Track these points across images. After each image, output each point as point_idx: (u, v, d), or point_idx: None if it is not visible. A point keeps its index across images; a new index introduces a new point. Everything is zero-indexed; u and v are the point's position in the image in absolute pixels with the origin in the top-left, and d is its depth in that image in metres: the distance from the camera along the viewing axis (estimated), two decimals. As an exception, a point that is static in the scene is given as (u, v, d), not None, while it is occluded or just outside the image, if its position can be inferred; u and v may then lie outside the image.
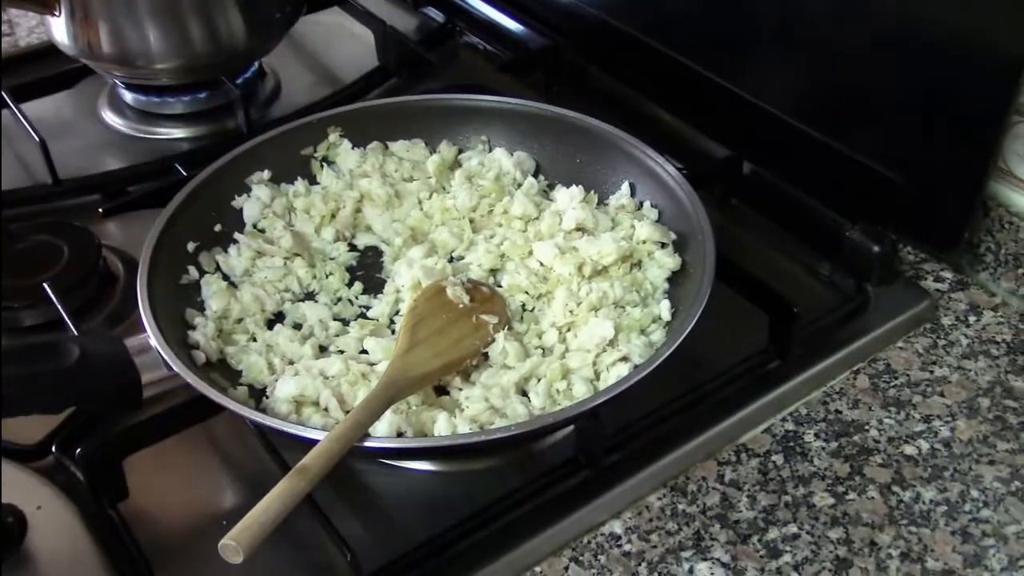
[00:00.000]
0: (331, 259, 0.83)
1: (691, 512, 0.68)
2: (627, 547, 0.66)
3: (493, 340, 0.72)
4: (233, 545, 0.54)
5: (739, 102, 0.94)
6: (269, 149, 0.87)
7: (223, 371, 0.72)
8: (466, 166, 0.89)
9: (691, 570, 0.64)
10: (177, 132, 1.05)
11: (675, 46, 1.00)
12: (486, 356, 0.72)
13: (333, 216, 0.85)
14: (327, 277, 0.81)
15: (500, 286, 0.79)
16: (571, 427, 0.67)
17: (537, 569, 0.65)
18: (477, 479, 0.70)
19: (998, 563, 0.65)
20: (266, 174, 0.86)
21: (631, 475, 0.69)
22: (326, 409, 0.68)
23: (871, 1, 0.83)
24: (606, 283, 0.75)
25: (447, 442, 0.65)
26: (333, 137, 0.89)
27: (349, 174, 0.88)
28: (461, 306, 0.74)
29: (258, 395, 0.71)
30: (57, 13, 0.99)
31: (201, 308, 0.76)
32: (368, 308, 0.79)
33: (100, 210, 0.89)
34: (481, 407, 0.67)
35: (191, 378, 0.65)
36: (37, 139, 0.95)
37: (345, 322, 0.77)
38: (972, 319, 0.82)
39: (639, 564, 0.65)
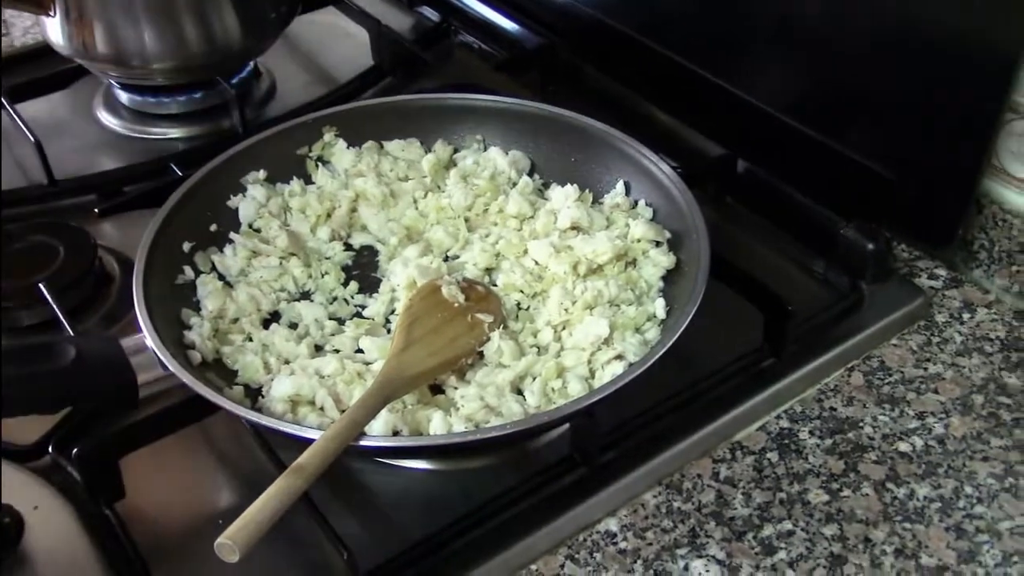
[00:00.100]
0: (327, 258, 0.83)
1: (686, 509, 0.68)
2: (623, 544, 0.66)
3: (488, 339, 0.72)
4: (229, 544, 0.54)
5: (733, 101, 0.94)
6: (264, 149, 0.87)
7: (219, 371, 0.72)
8: (461, 165, 0.89)
9: (686, 567, 0.65)
10: (172, 132, 1.05)
11: (670, 45, 1.00)
12: (481, 355, 0.72)
13: (328, 216, 0.86)
14: (323, 276, 0.81)
15: (495, 285, 0.79)
16: (566, 425, 0.67)
17: (533, 567, 0.65)
18: (473, 477, 0.70)
19: (992, 559, 0.65)
20: (261, 174, 0.86)
21: (626, 473, 0.69)
22: (322, 408, 0.68)
23: (865, 0, 0.83)
24: (601, 282, 0.75)
25: (443, 441, 0.65)
26: (328, 137, 0.89)
27: (344, 174, 0.88)
28: (456, 305, 0.74)
29: (254, 395, 0.71)
30: (52, 13, 0.99)
31: (197, 308, 0.76)
32: (364, 307, 0.79)
33: (96, 210, 0.90)
34: (476, 406, 0.67)
35: (187, 378, 0.65)
36: (33, 139, 0.95)
37: (341, 321, 0.77)
38: (966, 316, 0.82)
39: (635, 561, 0.65)
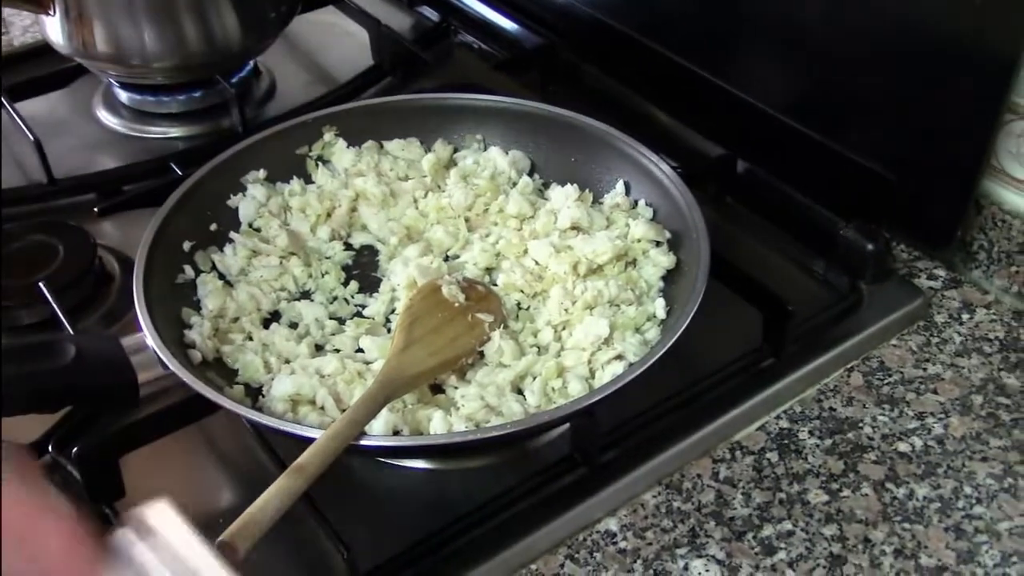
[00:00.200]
0: (327, 258, 0.83)
1: (686, 509, 0.68)
2: (622, 544, 0.66)
3: (488, 338, 0.72)
4: (230, 543, 0.54)
5: (733, 101, 0.94)
6: (264, 148, 0.87)
7: (219, 370, 0.72)
8: (461, 165, 0.89)
9: (686, 567, 0.65)
10: (172, 131, 1.05)
11: (670, 45, 1.00)
12: (482, 354, 0.72)
13: (329, 215, 0.86)
14: (323, 276, 0.81)
15: (495, 285, 0.79)
16: (566, 425, 0.67)
17: (533, 566, 0.65)
18: (473, 477, 0.70)
19: (991, 559, 0.65)
20: (261, 173, 0.86)
21: (626, 473, 0.69)
22: (322, 408, 0.68)
23: (865, 0, 0.83)
24: (601, 282, 0.75)
25: (443, 440, 0.65)
26: (328, 136, 0.89)
27: (344, 173, 0.88)
28: (457, 305, 0.74)
29: (254, 394, 0.71)
30: (52, 12, 0.98)
31: (197, 307, 0.76)
32: (364, 307, 0.79)
33: (95, 209, 0.89)
34: (477, 405, 0.67)
35: (187, 377, 0.65)
36: (32, 138, 0.95)
37: (341, 321, 0.77)
38: (965, 317, 0.82)
39: (634, 561, 0.65)
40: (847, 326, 0.80)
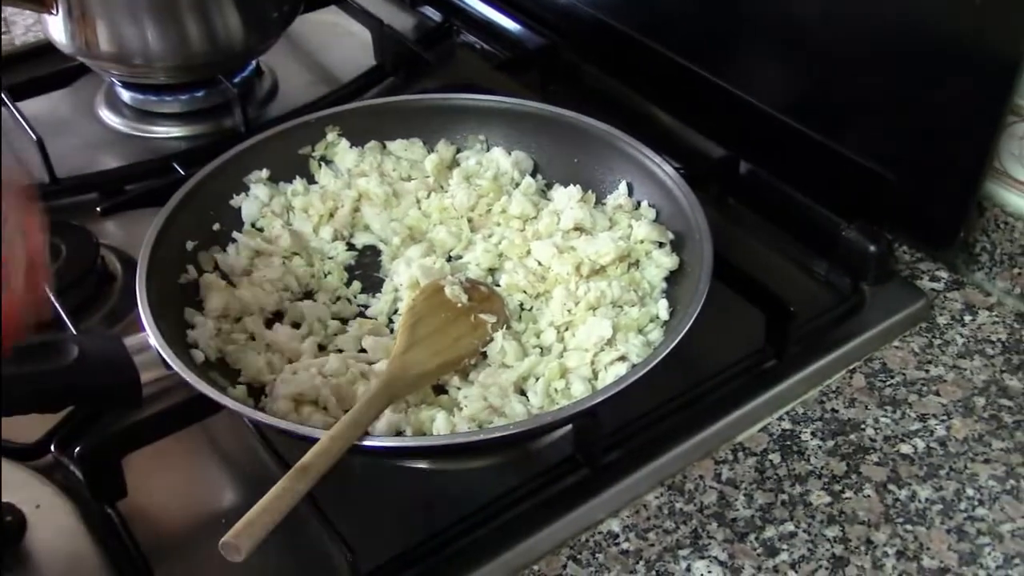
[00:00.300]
0: (329, 258, 0.83)
1: (688, 511, 0.68)
2: (625, 545, 0.66)
3: (491, 339, 0.72)
4: (233, 543, 0.54)
5: (736, 102, 0.94)
6: (267, 148, 0.87)
7: (222, 370, 0.72)
8: (464, 165, 0.89)
9: (688, 568, 0.65)
10: (175, 131, 1.05)
11: (672, 46, 1.00)
12: (484, 355, 0.72)
13: (331, 215, 0.86)
14: (325, 276, 0.81)
15: (498, 285, 0.79)
16: (569, 426, 0.67)
17: (535, 567, 0.65)
18: (475, 478, 0.70)
19: (993, 561, 0.65)
20: (264, 173, 0.86)
21: (629, 474, 0.69)
22: (325, 408, 0.68)
23: (867, 1, 0.83)
24: (604, 282, 0.75)
25: (446, 441, 0.65)
26: (331, 136, 0.89)
27: (347, 173, 0.88)
28: (459, 305, 0.74)
29: (257, 394, 0.71)
30: (54, 11, 0.98)
31: (200, 307, 0.76)
32: (367, 307, 0.79)
33: (98, 209, 0.89)
34: (479, 406, 0.67)
35: (190, 377, 0.65)
36: (34, 138, 0.95)
37: (344, 321, 0.77)
38: (967, 318, 0.82)
39: (637, 562, 0.65)
40: (849, 327, 0.80)
